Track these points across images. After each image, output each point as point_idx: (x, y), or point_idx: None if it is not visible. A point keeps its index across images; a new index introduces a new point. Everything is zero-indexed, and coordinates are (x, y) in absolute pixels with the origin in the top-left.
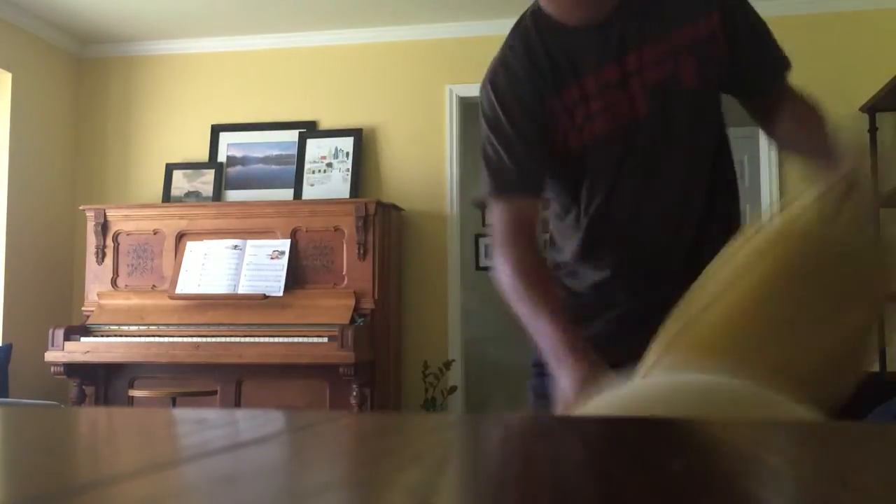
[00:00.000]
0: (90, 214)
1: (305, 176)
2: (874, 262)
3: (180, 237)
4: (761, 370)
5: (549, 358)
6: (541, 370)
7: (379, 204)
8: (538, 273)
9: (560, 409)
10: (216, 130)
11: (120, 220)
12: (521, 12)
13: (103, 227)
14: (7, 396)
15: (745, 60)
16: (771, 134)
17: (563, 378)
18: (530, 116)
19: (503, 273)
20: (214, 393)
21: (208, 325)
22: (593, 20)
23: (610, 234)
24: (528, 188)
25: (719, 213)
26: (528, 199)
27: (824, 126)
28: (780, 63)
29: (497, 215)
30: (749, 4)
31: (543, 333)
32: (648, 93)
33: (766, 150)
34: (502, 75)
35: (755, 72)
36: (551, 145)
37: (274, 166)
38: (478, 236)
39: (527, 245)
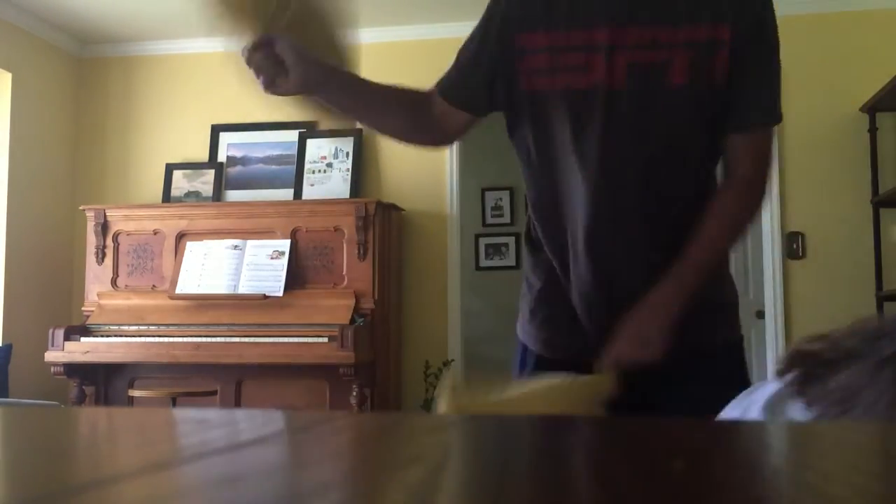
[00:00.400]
0: (90, 214)
1: (305, 176)
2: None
3: (180, 237)
4: None
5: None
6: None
7: (379, 204)
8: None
9: None
10: (216, 130)
11: (120, 220)
12: None
13: (103, 227)
14: (7, 396)
15: (734, 86)
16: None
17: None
18: (493, 30)
19: (409, 89)
20: (214, 393)
21: (208, 325)
22: None
23: (550, 210)
24: (449, 95)
25: (667, 217)
26: (447, 103)
27: (725, 221)
28: (766, 113)
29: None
30: (770, 42)
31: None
32: (629, 68)
33: None
34: None
35: (736, 103)
36: (511, 79)
37: (274, 166)
38: (478, 236)
39: (403, 94)
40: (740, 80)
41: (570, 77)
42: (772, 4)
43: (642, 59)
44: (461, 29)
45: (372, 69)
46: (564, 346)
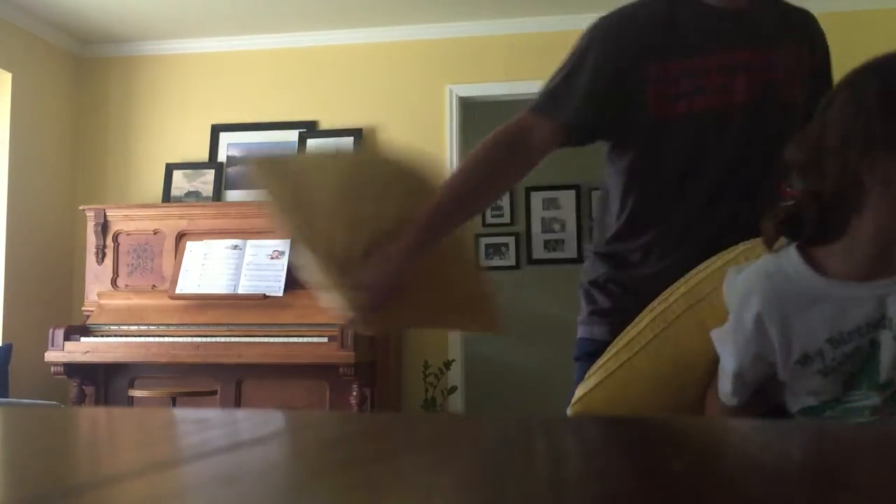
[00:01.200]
0: (90, 214)
1: None
2: None
3: (180, 237)
4: None
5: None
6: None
7: None
8: (493, 174)
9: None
10: (216, 130)
11: (120, 220)
12: (518, 11)
13: (103, 227)
14: (7, 396)
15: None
16: None
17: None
18: (611, 63)
19: (472, 156)
20: (214, 393)
21: (208, 325)
22: (737, 4)
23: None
24: (560, 117)
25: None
26: (552, 125)
27: None
28: None
29: (515, 120)
30: (828, 52)
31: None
32: (752, 87)
33: None
34: (616, 17)
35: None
36: (621, 105)
37: None
38: (478, 236)
39: (505, 155)
40: (813, 93)
41: (701, 101)
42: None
43: (766, 77)
44: (461, 29)
45: (372, 69)
46: None
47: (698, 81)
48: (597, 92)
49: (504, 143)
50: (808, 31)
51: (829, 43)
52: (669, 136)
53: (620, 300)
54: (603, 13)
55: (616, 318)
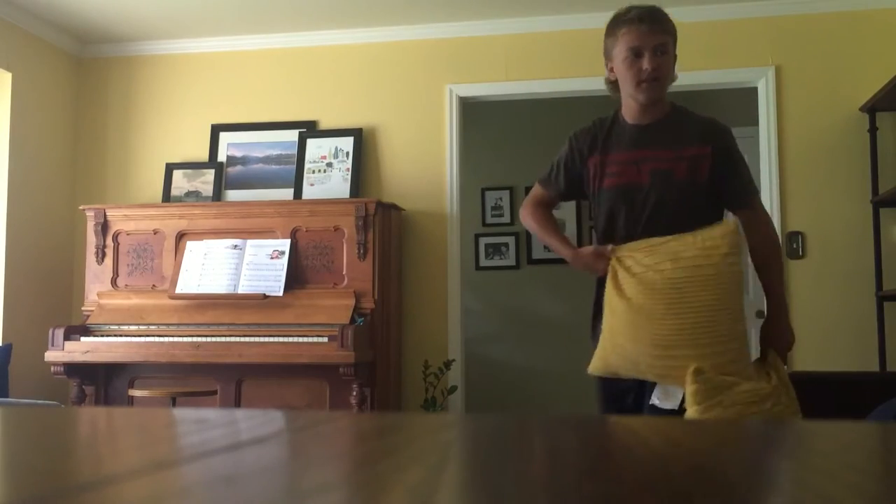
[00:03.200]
0: (90, 214)
1: (305, 176)
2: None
3: (180, 237)
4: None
5: (567, 258)
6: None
7: (379, 204)
8: (545, 219)
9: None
10: (216, 130)
11: (120, 219)
12: (518, 11)
13: (103, 227)
14: (7, 396)
15: (719, 182)
16: (748, 239)
17: (572, 257)
18: (575, 160)
19: (526, 217)
20: (214, 393)
21: (208, 325)
22: (645, 121)
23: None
24: (552, 190)
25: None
26: (550, 194)
27: (773, 267)
28: (743, 195)
29: (533, 191)
30: (735, 152)
31: (557, 245)
32: (650, 173)
33: (766, 151)
34: (581, 131)
35: (726, 192)
36: (581, 181)
37: (274, 166)
38: (478, 236)
39: (539, 210)
40: (726, 178)
41: (614, 180)
42: (729, 132)
43: (657, 166)
44: (461, 29)
45: (372, 69)
46: None
47: (613, 169)
48: (567, 176)
49: (533, 203)
50: (711, 134)
51: (829, 43)
52: (600, 200)
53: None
54: (600, 13)
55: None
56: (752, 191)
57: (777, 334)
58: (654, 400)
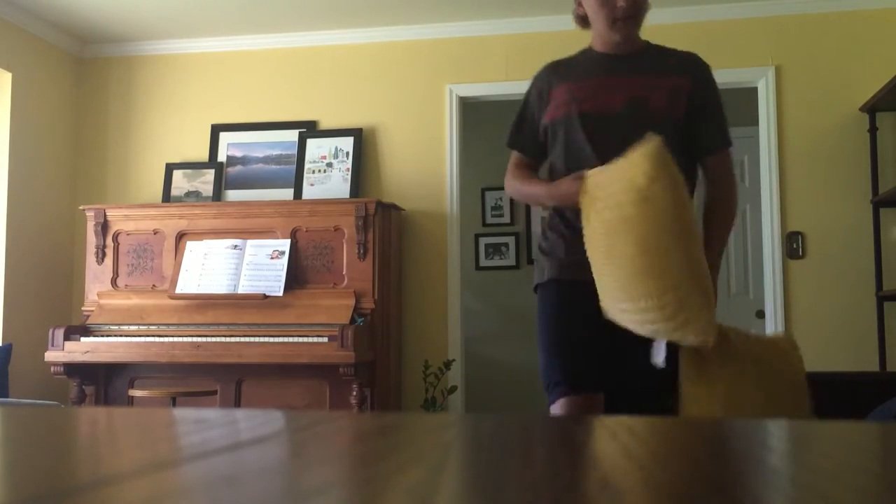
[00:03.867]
0: (90, 214)
1: (305, 176)
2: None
3: (180, 237)
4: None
5: (547, 197)
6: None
7: (379, 204)
8: (523, 175)
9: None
10: (216, 130)
11: (120, 219)
12: (518, 11)
13: (103, 227)
14: (7, 396)
15: (694, 122)
16: (705, 193)
17: (549, 192)
18: (542, 96)
19: (507, 185)
20: (214, 393)
21: (208, 325)
22: (619, 52)
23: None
24: (525, 144)
25: None
26: (526, 153)
27: (719, 232)
28: (717, 140)
29: (510, 161)
30: (714, 90)
31: (538, 190)
32: (624, 100)
33: (766, 151)
34: (541, 70)
35: (698, 135)
36: (537, 122)
37: (274, 166)
38: (478, 236)
39: (518, 171)
40: (702, 118)
41: (590, 105)
42: (711, 71)
43: (635, 93)
44: (461, 29)
45: (372, 69)
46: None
47: (580, 94)
48: (536, 121)
49: (511, 169)
50: (691, 66)
51: (829, 43)
52: (561, 131)
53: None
54: None
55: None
56: (726, 139)
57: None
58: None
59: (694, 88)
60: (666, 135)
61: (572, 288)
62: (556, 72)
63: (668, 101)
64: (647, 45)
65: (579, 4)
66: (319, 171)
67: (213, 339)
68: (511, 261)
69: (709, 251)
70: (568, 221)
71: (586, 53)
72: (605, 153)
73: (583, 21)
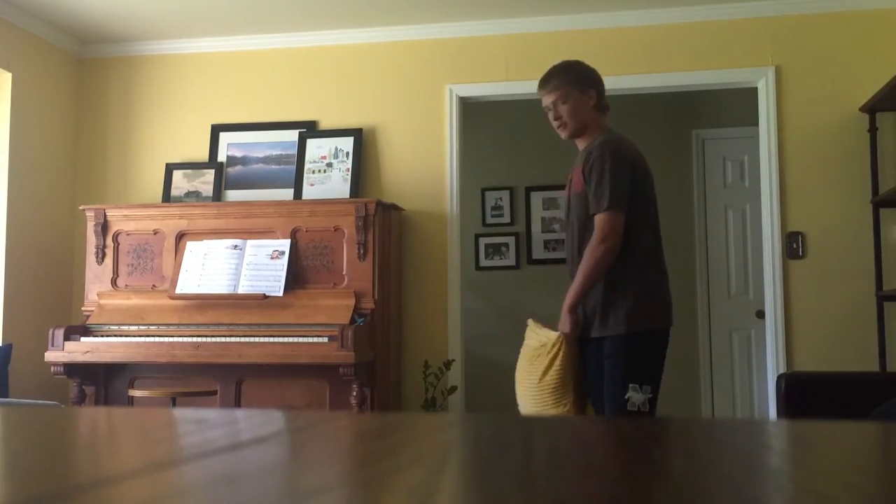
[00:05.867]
0: (90, 214)
1: (305, 176)
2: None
3: (180, 237)
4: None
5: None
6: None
7: (379, 204)
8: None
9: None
10: (216, 130)
11: (120, 220)
12: (518, 11)
13: (103, 227)
14: (7, 396)
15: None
16: None
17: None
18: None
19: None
20: (214, 393)
21: (208, 325)
22: (579, 150)
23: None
24: None
25: (580, 250)
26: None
27: (583, 268)
28: (592, 206)
29: None
30: (594, 172)
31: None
32: (571, 185)
33: (766, 151)
34: None
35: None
36: None
37: (274, 166)
38: (478, 236)
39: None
40: (589, 193)
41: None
42: (599, 154)
43: (572, 181)
44: (461, 29)
45: (372, 69)
46: None
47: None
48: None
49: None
50: (585, 155)
51: (829, 43)
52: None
53: None
54: (600, 13)
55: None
56: (597, 204)
57: (562, 316)
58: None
59: (584, 172)
60: (578, 207)
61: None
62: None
63: (576, 185)
64: (594, 140)
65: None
66: (319, 171)
67: (213, 339)
68: (511, 261)
69: (578, 274)
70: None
71: None
72: (567, 218)
73: None
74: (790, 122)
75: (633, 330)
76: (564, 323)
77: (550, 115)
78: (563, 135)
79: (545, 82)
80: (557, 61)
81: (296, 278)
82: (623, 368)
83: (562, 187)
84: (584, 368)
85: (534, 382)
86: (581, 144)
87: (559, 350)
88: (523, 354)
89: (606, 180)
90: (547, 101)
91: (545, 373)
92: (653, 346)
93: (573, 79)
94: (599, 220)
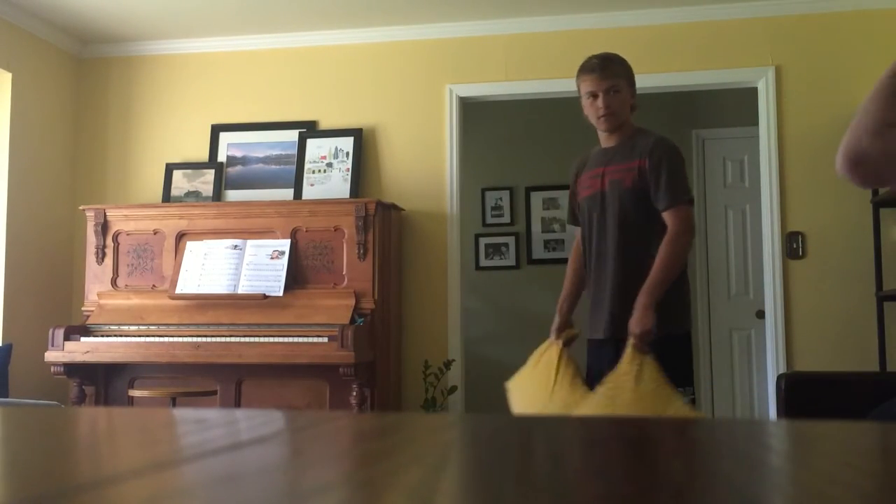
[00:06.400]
0: (90, 214)
1: (305, 176)
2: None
3: (180, 237)
4: None
5: (559, 304)
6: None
7: (379, 204)
8: (573, 276)
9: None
10: (216, 130)
11: (120, 220)
12: (518, 11)
13: (103, 227)
14: (7, 396)
15: (650, 188)
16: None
17: (556, 319)
18: (572, 185)
19: (569, 263)
20: (214, 393)
21: (208, 325)
22: (607, 146)
23: (587, 249)
24: (574, 221)
25: (628, 256)
26: (575, 225)
27: (659, 265)
28: (664, 199)
29: (575, 236)
30: (662, 166)
31: (563, 292)
32: (608, 182)
33: (766, 150)
34: (573, 163)
35: (653, 197)
36: (576, 198)
37: (274, 166)
38: (478, 236)
39: (576, 262)
40: (652, 186)
41: (586, 190)
42: (667, 148)
43: (613, 177)
44: (461, 29)
45: (372, 69)
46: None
47: (586, 182)
48: (572, 204)
49: (575, 251)
50: (647, 149)
51: (829, 43)
52: (581, 209)
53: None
54: (600, 13)
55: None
56: (670, 200)
57: (634, 317)
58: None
59: (650, 166)
60: (635, 204)
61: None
62: (578, 165)
63: (634, 180)
64: (634, 133)
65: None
66: (319, 171)
67: (213, 340)
68: (511, 261)
69: (656, 267)
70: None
71: (595, 149)
72: (601, 220)
73: (588, 119)
74: (790, 122)
75: (673, 333)
76: (646, 320)
77: (597, 101)
78: (604, 124)
79: (604, 68)
80: (557, 61)
81: (296, 278)
82: (667, 372)
83: (562, 187)
84: (598, 371)
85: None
86: (611, 140)
87: (640, 362)
88: (563, 382)
89: (680, 174)
90: (597, 86)
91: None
92: (687, 347)
93: (628, 72)
94: (677, 212)
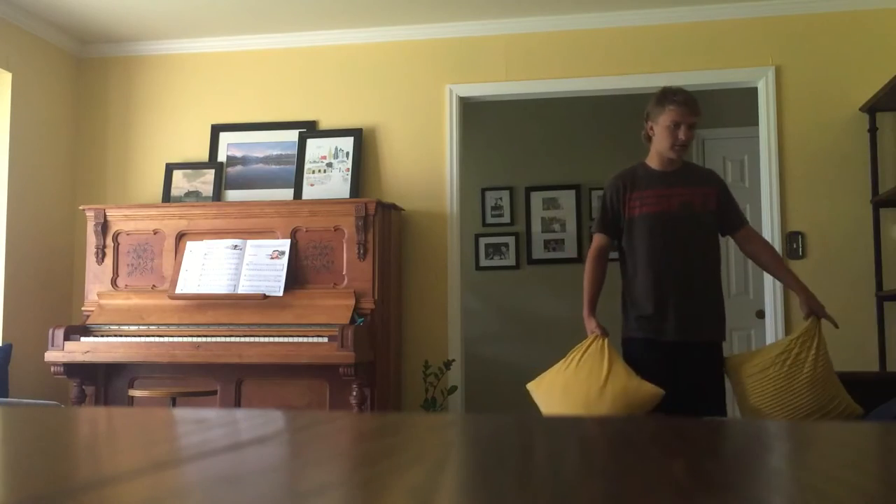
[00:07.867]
0: (90, 214)
1: (305, 176)
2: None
3: (180, 237)
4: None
5: (585, 308)
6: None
7: (379, 204)
8: (597, 276)
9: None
10: (216, 130)
11: (120, 220)
12: (518, 11)
13: (103, 227)
14: (7, 396)
15: (722, 214)
16: (745, 252)
17: (590, 321)
18: (619, 197)
19: (588, 264)
20: (214, 393)
21: (208, 325)
22: (667, 170)
23: (651, 260)
24: (612, 232)
25: (702, 278)
26: (610, 237)
27: (779, 257)
28: (740, 220)
29: (596, 242)
30: (730, 193)
31: (586, 296)
32: (679, 203)
33: (766, 150)
34: (616, 176)
35: (728, 221)
36: (620, 215)
37: (274, 166)
38: (478, 236)
39: (600, 264)
40: (727, 210)
41: (650, 207)
42: (720, 178)
43: (684, 199)
44: (461, 29)
45: (372, 69)
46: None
47: (650, 200)
48: (616, 215)
49: (597, 256)
50: (714, 180)
51: (829, 43)
52: (635, 226)
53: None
54: (600, 14)
55: (645, 323)
56: (743, 216)
57: (818, 304)
58: None
59: (719, 193)
60: (703, 224)
61: None
62: (629, 180)
63: (702, 203)
64: (684, 164)
65: (651, 129)
66: (319, 171)
67: (213, 339)
68: (511, 261)
69: (791, 272)
70: None
71: (645, 170)
72: (669, 237)
73: (647, 139)
74: (790, 122)
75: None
76: (818, 306)
77: (681, 132)
78: (676, 153)
79: (693, 104)
80: (557, 61)
81: (296, 278)
82: (714, 375)
83: (562, 187)
84: (676, 372)
85: (787, 384)
86: (670, 165)
87: (816, 338)
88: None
89: (737, 204)
90: (684, 119)
91: (802, 367)
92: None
93: None
94: (752, 228)
